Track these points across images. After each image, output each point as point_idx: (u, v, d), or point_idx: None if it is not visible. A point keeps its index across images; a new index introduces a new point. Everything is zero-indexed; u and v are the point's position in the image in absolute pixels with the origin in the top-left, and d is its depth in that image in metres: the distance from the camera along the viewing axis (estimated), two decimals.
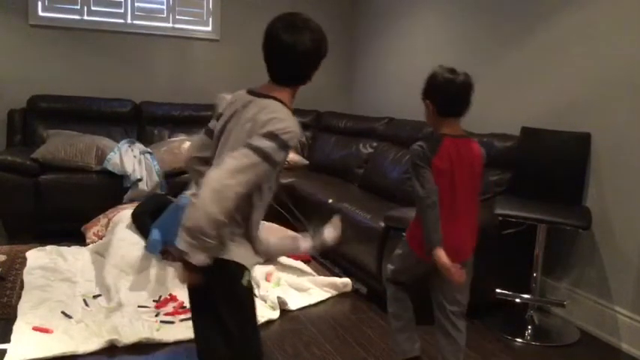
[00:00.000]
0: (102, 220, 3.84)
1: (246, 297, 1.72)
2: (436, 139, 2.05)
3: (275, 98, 1.65)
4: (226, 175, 1.50)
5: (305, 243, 2.45)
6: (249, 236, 1.68)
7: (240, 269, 1.65)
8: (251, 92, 1.71)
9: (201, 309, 1.76)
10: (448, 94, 2.02)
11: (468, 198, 2.08)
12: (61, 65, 4.76)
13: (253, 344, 1.78)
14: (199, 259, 1.52)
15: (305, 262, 3.62)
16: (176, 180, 4.19)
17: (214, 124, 1.78)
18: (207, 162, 1.79)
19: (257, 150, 1.53)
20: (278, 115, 1.59)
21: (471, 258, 2.16)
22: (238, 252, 1.65)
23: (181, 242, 1.52)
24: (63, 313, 2.77)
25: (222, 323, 1.69)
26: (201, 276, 1.58)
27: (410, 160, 2.08)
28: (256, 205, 1.65)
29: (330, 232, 2.44)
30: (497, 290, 2.96)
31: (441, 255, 1.97)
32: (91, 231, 3.82)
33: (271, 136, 1.55)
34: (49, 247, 3.66)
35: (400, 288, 2.31)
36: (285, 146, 1.57)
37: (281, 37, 1.62)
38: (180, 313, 2.85)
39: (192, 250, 1.51)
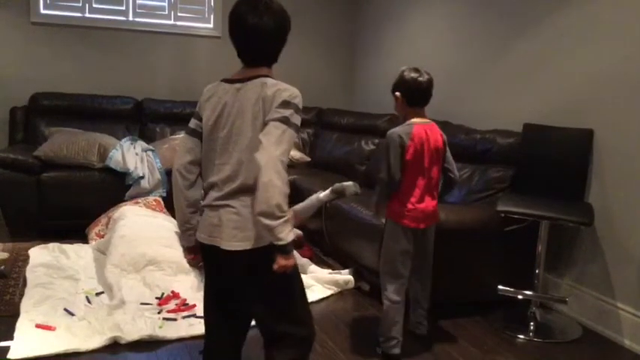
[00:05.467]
0: (103, 220, 3.84)
1: (296, 271, 1.78)
2: (408, 126, 2.45)
3: (262, 76, 1.71)
4: (271, 149, 1.60)
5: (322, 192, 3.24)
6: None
7: None
8: (230, 81, 1.76)
9: (241, 305, 1.82)
10: (415, 88, 2.45)
11: (436, 172, 2.51)
12: (62, 63, 4.76)
13: (310, 314, 1.87)
14: (290, 235, 1.60)
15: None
16: None
17: (197, 124, 1.81)
18: (196, 165, 1.82)
19: (281, 119, 1.64)
20: (280, 86, 1.68)
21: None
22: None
23: (267, 232, 1.59)
24: (65, 310, 2.77)
25: (286, 308, 1.77)
26: (294, 257, 1.66)
27: (385, 144, 2.44)
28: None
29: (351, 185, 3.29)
30: (500, 287, 2.96)
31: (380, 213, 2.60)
32: (93, 231, 3.82)
33: (285, 104, 1.65)
34: (51, 245, 3.67)
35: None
36: (298, 110, 1.68)
37: (248, 22, 1.69)
38: (182, 310, 2.85)
39: (280, 228, 1.57)
